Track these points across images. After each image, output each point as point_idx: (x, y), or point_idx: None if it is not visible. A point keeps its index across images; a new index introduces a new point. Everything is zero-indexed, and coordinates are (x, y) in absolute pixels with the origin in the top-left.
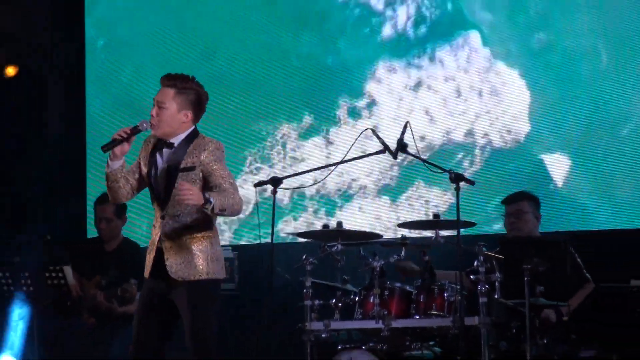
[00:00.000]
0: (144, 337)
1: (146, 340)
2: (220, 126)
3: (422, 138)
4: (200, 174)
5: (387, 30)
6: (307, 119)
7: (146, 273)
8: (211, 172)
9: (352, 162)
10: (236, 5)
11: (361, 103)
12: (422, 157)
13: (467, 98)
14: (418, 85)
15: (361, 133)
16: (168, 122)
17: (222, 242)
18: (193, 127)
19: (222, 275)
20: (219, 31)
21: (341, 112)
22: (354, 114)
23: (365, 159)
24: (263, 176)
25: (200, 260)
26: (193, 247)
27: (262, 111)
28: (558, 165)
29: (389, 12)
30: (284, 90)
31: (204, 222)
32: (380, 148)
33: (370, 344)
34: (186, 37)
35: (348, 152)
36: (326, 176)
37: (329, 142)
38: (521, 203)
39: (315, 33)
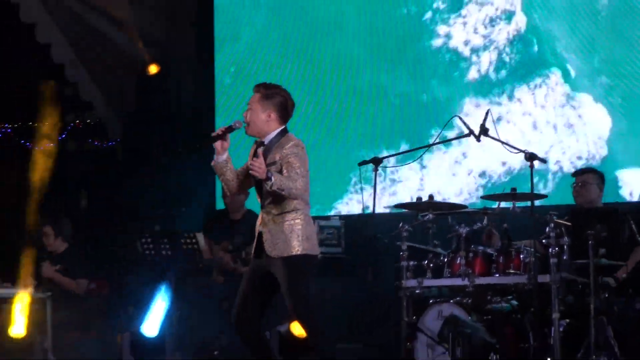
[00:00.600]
0: (245, 311)
1: (246, 314)
2: (331, 152)
3: (503, 163)
4: (280, 166)
5: (472, 73)
6: (404, 147)
7: (252, 253)
8: (286, 163)
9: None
10: (344, 42)
11: (451, 134)
12: (501, 140)
13: (542, 131)
14: (498, 119)
15: (450, 119)
16: (254, 120)
17: (332, 213)
18: (282, 127)
19: (315, 252)
20: (329, 67)
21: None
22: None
23: (454, 142)
24: (366, 197)
25: (294, 240)
26: (286, 229)
27: (365, 139)
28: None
29: (474, 58)
30: (384, 122)
31: (295, 208)
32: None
33: (457, 298)
34: (299, 73)
35: (438, 135)
36: (420, 155)
37: (422, 166)
38: (587, 175)
39: (411, 73)
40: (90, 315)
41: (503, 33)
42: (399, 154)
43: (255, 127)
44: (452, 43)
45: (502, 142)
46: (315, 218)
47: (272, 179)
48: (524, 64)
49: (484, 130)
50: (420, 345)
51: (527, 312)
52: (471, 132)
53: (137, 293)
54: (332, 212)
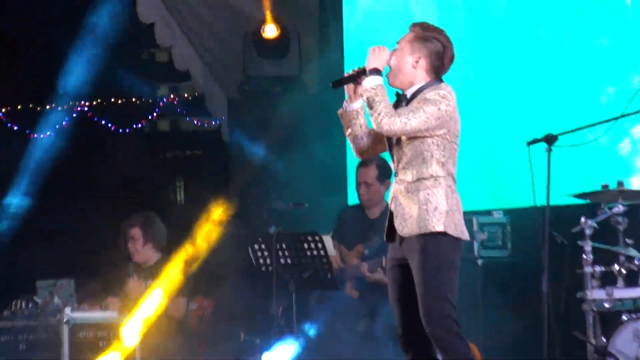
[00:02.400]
0: (405, 316)
1: (408, 320)
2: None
3: None
4: None
5: None
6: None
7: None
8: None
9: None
10: None
11: None
12: None
13: None
14: None
15: None
16: (398, 64)
17: (493, 206)
18: (432, 79)
19: (460, 234)
20: None
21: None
22: None
23: None
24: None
25: (429, 213)
26: (421, 199)
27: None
28: None
29: None
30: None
31: (434, 175)
32: None
33: None
34: None
35: (630, 101)
36: (606, 130)
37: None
38: None
39: None
40: (192, 343)
41: None
42: (581, 128)
43: (399, 73)
44: None
45: None
46: (472, 213)
47: (372, 81)
48: None
49: None
50: None
51: None
52: None
53: (249, 314)
54: (496, 205)
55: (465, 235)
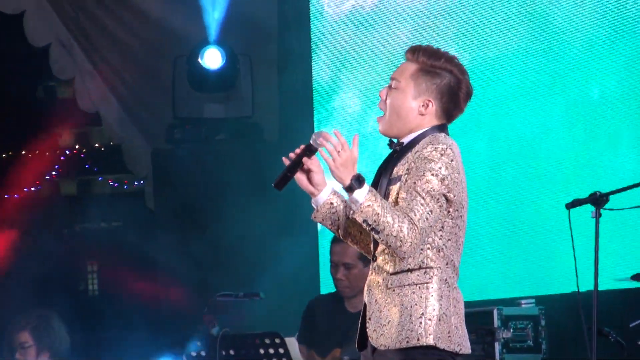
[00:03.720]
0: None
1: None
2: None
3: None
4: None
5: None
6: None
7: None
8: (409, 175)
9: None
10: None
11: None
12: None
13: None
14: None
15: None
16: (398, 108)
17: (522, 293)
18: (438, 125)
19: (457, 347)
20: None
21: None
22: None
23: None
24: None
25: (413, 319)
26: (403, 299)
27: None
28: None
29: None
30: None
31: (424, 265)
32: None
33: None
34: None
35: None
36: None
37: None
38: None
39: None
40: None
41: None
42: (636, 185)
43: (398, 120)
44: None
45: None
46: (491, 303)
47: (359, 194)
48: None
49: None
50: None
51: None
52: None
53: None
54: (524, 293)
55: (465, 349)
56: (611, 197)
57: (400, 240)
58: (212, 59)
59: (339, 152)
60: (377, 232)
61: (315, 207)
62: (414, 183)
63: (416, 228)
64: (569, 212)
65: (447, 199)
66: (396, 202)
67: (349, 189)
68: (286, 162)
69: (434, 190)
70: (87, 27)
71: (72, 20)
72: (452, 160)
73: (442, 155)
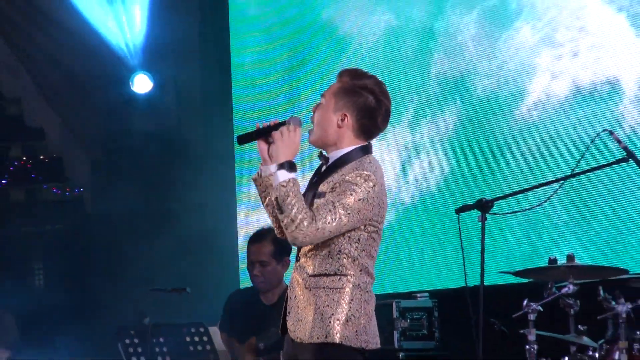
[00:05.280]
0: None
1: None
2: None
3: None
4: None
5: None
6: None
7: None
8: (333, 190)
9: (585, 177)
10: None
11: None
12: None
13: None
14: None
15: (597, 136)
16: (321, 120)
17: (417, 287)
18: (362, 145)
19: (363, 343)
20: None
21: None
22: None
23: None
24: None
25: (324, 319)
26: (317, 301)
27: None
28: None
29: None
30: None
31: (341, 271)
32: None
33: None
34: None
35: (579, 162)
36: (551, 195)
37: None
38: None
39: None
40: None
41: None
42: (518, 192)
43: (322, 132)
44: None
45: None
46: (391, 297)
47: (283, 174)
48: None
49: None
50: None
51: None
52: (631, 156)
53: None
54: (420, 287)
55: (373, 345)
56: (496, 203)
57: (296, 226)
58: (141, 84)
59: (290, 132)
60: (281, 212)
61: (259, 172)
62: (333, 197)
63: (315, 225)
64: (459, 216)
65: (362, 217)
66: None
67: (280, 167)
68: (258, 127)
69: (348, 204)
70: (31, 51)
71: (17, 42)
72: (374, 186)
73: (365, 181)
